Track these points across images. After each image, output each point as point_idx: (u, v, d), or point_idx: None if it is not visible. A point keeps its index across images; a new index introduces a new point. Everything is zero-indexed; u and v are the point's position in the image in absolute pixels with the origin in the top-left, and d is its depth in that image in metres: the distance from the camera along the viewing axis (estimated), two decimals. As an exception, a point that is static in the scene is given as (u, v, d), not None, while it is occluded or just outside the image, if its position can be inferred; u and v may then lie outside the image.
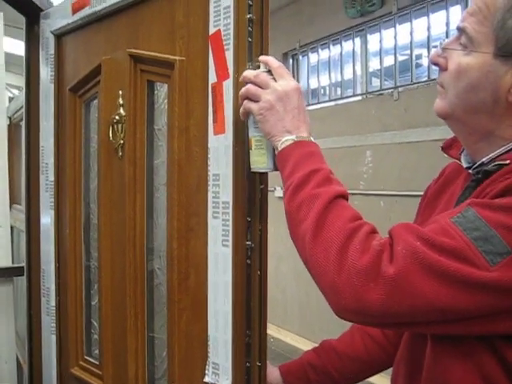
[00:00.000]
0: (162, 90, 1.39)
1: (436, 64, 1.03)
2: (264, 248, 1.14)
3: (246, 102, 1.06)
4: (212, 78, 1.17)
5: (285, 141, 1.01)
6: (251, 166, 1.10)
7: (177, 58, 1.25)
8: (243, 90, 1.07)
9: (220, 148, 1.15)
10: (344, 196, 0.95)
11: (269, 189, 1.16)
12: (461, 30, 0.98)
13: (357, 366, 1.35)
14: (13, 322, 2.31)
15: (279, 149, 1.02)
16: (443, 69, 1.01)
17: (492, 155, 0.98)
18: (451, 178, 1.15)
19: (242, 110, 1.08)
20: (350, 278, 0.83)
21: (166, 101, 1.36)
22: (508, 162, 0.93)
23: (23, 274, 2.02)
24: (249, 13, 1.11)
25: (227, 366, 1.18)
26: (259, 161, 1.08)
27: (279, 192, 5.23)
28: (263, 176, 1.12)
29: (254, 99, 1.05)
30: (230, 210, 1.14)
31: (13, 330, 2.31)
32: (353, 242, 0.86)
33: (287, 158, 1.00)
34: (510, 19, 0.90)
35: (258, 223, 1.13)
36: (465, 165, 1.08)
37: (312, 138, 1.04)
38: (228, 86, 1.13)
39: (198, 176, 1.22)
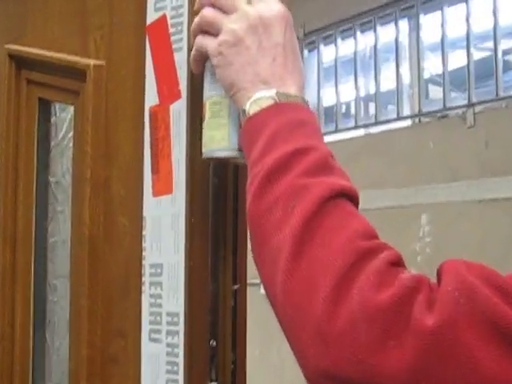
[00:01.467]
0: (63, 116, 1.41)
1: None
2: (240, 394, 1.14)
3: (199, 37, 1.06)
4: (151, 97, 1.19)
5: (257, 99, 0.99)
6: (203, 149, 1.08)
7: (91, 61, 1.27)
8: (196, 18, 1.06)
9: (164, 219, 1.16)
10: (351, 197, 0.93)
11: (250, 281, 1.17)
12: None
13: None
14: None
15: (248, 112, 0.99)
16: None
17: None
18: None
19: (193, 52, 1.08)
20: (354, 325, 0.80)
21: (70, 135, 1.38)
22: None
23: None
24: (216, -14, 1.14)
25: None
26: (216, 137, 1.06)
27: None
28: (239, 268, 1.13)
29: (213, 32, 1.04)
30: (181, 328, 1.14)
31: None
32: (365, 269, 0.83)
33: (259, 129, 0.97)
34: None
35: (228, 351, 1.13)
36: None
37: (307, 100, 1.02)
38: (179, 111, 1.15)
39: (126, 267, 1.23)
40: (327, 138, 5.44)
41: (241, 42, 1.01)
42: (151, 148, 1.18)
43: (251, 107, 0.98)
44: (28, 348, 1.41)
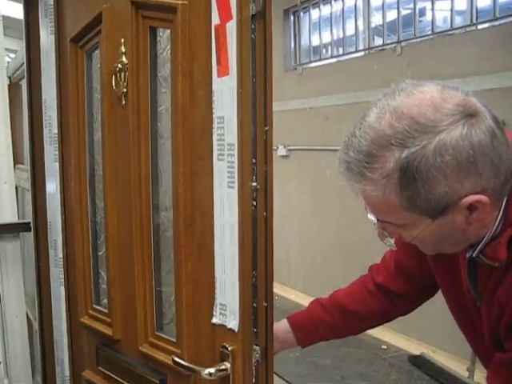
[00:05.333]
0: (164, 36, 1.38)
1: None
2: (270, 189, 1.14)
3: None
4: (215, 19, 1.16)
5: None
6: None
7: (179, 1, 1.24)
8: None
9: (224, 90, 1.15)
10: None
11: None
12: (383, 222, 0.96)
13: (366, 324, 1.42)
14: (21, 277, 2.35)
15: None
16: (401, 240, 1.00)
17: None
18: None
19: None
20: None
21: (168, 47, 1.36)
22: None
23: (30, 230, 2.04)
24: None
25: (234, 307, 1.21)
26: None
27: (282, 151, 5.22)
28: (268, 117, 1.12)
29: None
30: (236, 152, 1.14)
31: (21, 284, 2.34)
32: None
33: None
34: (416, 196, 0.86)
35: (263, 164, 1.12)
36: None
37: None
38: (231, 27, 1.13)
39: (203, 119, 1.22)
40: (316, 63, 5.37)
41: None
42: (216, 49, 1.17)
43: None
44: (148, 170, 1.42)
